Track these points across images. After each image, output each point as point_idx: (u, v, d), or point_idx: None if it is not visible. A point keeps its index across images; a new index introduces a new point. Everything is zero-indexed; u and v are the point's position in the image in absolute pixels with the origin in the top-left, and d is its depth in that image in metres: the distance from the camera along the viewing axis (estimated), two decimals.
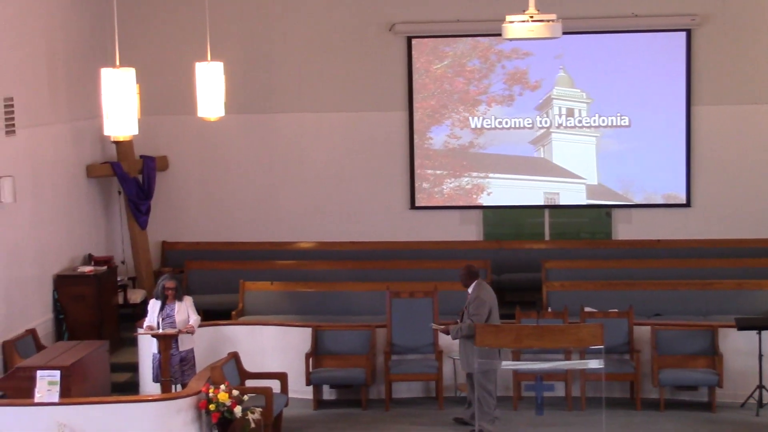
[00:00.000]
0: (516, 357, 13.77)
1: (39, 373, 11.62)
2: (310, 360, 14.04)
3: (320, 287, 15.83)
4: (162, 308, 13.35)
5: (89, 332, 14.94)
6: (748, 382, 13.60)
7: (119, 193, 17.47)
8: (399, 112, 17.87)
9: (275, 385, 12.84)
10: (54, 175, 15.49)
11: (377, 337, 14.22)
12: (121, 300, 16.45)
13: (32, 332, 14.23)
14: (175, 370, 13.19)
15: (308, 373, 13.95)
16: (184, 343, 13.29)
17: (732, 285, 15.26)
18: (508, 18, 12.84)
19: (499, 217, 19.31)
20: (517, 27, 12.72)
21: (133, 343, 14.72)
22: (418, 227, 17.89)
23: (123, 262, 17.44)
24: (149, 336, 13.35)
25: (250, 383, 13.05)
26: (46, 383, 11.47)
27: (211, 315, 15.48)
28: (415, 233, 17.83)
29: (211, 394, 11.76)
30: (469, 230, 17.94)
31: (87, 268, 15.63)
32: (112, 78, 9.80)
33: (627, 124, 17.60)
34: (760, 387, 13.38)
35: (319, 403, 14.08)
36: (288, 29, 17.83)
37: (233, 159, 18.05)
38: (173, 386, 13.15)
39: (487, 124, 17.76)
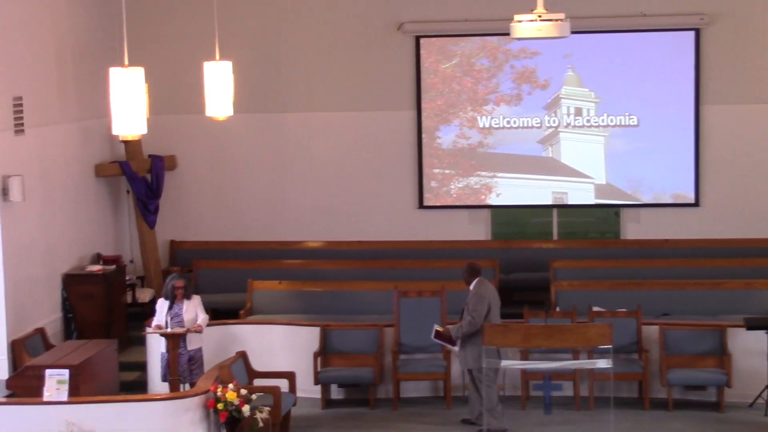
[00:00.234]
0: (524, 356, 13.76)
1: (48, 371, 11.65)
2: (318, 359, 14.04)
3: (328, 286, 15.83)
4: (170, 307, 13.36)
5: (98, 331, 14.95)
6: (756, 382, 13.58)
7: (128, 192, 17.48)
8: (407, 111, 17.86)
9: (283, 385, 12.85)
10: (63, 175, 15.51)
11: (385, 336, 14.22)
12: (129, 299, 16.47)
13: (41, 331, 14.25)
14: (183, 369, 13.21)
15: (316, 373, 13.96)
16: (192, 343, 13.30)
17: (741, 285, 15.23)
18: (517, 17, 12.83)
19: (507, 216, 19.29)
20: (526, 26, 12.72)
21: (142, 342, 14.74)
22: (426, 227, 17.88)
23: (131, 261, 17.45)
24: (158, 335, 13.37)
25: (258, 382, 13.06)
26: (55, 382, 11.50)
27: (219, 314, 15.50)
28: (423, 233, 17.82)
29: (219, 393, 11.78)
30: (478, 230, 17.93)
31: (96, 267, 15.65)
32: (120, 77, 9.81)
33: (635, 123, 17.58)
34: None
35: (327, 402, 14.08)
36: (296, 29, 17.83)
37: (241, 158, 18.06)
38: (181, 385, 13.17)
39: (495, 124, 17.75)
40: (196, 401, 11.77)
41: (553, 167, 17.77)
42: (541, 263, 16.81)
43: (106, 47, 16.41)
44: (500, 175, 17.84)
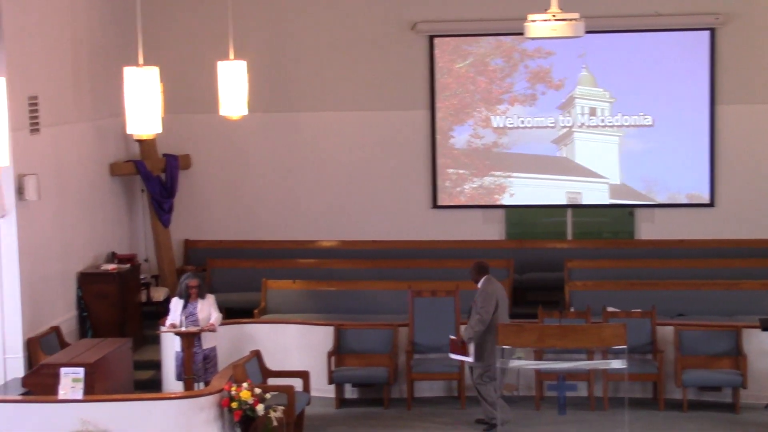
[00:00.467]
0: (538, 356, 13.75)
1: (63, 370, 11.69)
2: (332, 358, 14.05)
3: (342, 286, 15.83)
4: (185, 306, 13.39)
5: (112, 330, 14.99)
6: None
7: (142, 191, 17.52)
8: (421, 111, 17.85)
9: (297, 384, 12.87)
10: (78, 174, 15.55)
11: (399, 336, 14.22)
12: (144, 298, 16.49)
13: (56, 329, 14.30)
14: (197, 368, 13.23)
15: (330, 372, 13.97)
16: (207, 341, 13.32)
17: (756, 285, 15.19)
18: (531, 17, 12.80)
19: (521, 216, 19.27)
20: (540, 26, 12.69)
21: (156, 340, 14.76)
22: (440, 226, 17.87)
23: (146, 260, 17.48)
24: (172, 334, 13.39)
25: (272, 381, 13.07)
26: (70, 380, 11.54)
27: (233, 313, 15.52)
28: (437, 232, 17.81)
29: (233, 392, 11.79)
30: (492, 230, 17.92)
31: (110, 266, 15.68)
32: (135, 77, 9.84)
33: (650, 123, 17.54)
34: None
35: (341, 401, 14.09)
36: (310, 28, 17.84)
37: (256, 157, 18.08)
38: (196, 384, 13.19)
39: (510, 124, 17.73)
40: (210, 400, 11.79)
41: (568, 167, 17.75)
42: (556, 263, 16.80)
43: (120, 47, 16.44)
44: (514, 175, 17.82)
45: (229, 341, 14.04)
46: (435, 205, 17.96)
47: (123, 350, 13.38)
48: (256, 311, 15.49)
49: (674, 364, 13.72)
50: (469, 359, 12.87)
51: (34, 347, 13.65)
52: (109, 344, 13.29)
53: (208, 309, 13.41)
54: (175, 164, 17.55)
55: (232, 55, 13.67)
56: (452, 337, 13.09)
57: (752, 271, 15.91)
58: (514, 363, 12.61)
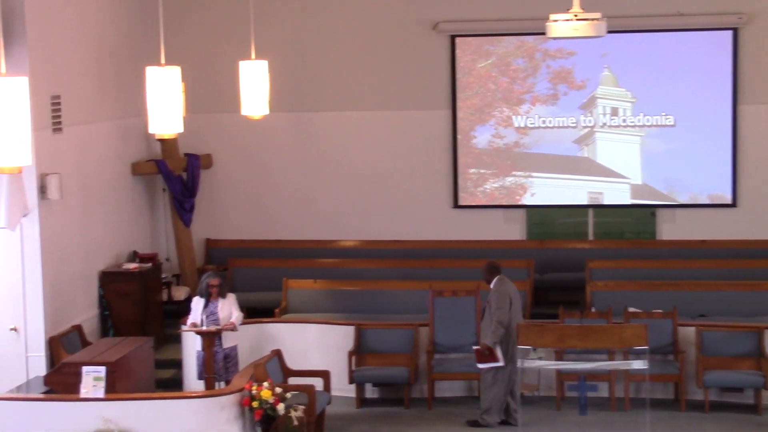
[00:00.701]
0: (559, 357, 13.72)
1: (85, 368, 11.73)
2: (353, 358, 14.06)
3: (363, 285, 15.84)
4: (206, 305, 13.41)
5: (134, 329, 15.03)
6: None
7: (164, 190, 17.56)
8: (442, 110, 17.84)
9: (318, 383, 12.87)
10: (100, 173, 15.61)
11: (420, 335, 14.22)
12: (165, 297, 16.53)
13: (78, 328, 14.35)
14: (218, 367, 13.25)
15: (351, 372, 13.97)
16: (228, 341, 13.35)
17: None
18: (553, 17, 12.79)
19: (542, 216, 19.24)
20: (562, 26, 12.67)
21: (178, 340, 14.80)
22: (461, 226, 17.85)
23: (167, 259, 17.53)
24: (193, 333, 13.42)
25: (293, 381, 13.08)
26: (92, 379, 11.57)
27: (254, 312, 15.54)
28: (458, 232, 17.80)
29: (254, 392, 11.81)
30: (513, 229, 17.89)
31: (132, 265, 15.73)
32: (157, 76, 9.87)
33: (672, 123, 17.48)
34: None
35: (361, 401, 14.10)
36: (332, 28, 17.86)
37: (277, 157, 18.10)
38: (217, 383, 13.21)
39: (531, 124, 17.70)
40: (231, 399, 11.81)
41: (589, 167, 17.70)
42: (577, 263, 16.76)
43: (143, 46, 16.49)
44: (536, 174, 17.78)
45: (250, 341, 14.07)
46: (456, 205, 17.95)
47: (144, 349, 13.41)
48: (277, 311, 15.51)
49: (696, 365, 13.67)
50: (501, 363, 12.84)
51: (56, 346, 13.71)
52: (130, 343, 13.33)
53: (228, 308, 13.44)
54: (196, 164, 17.60)
55: (253, 55, 13.70)
56: (475, 347, 13.02)
57: None
58: (535, 363, 12.60)
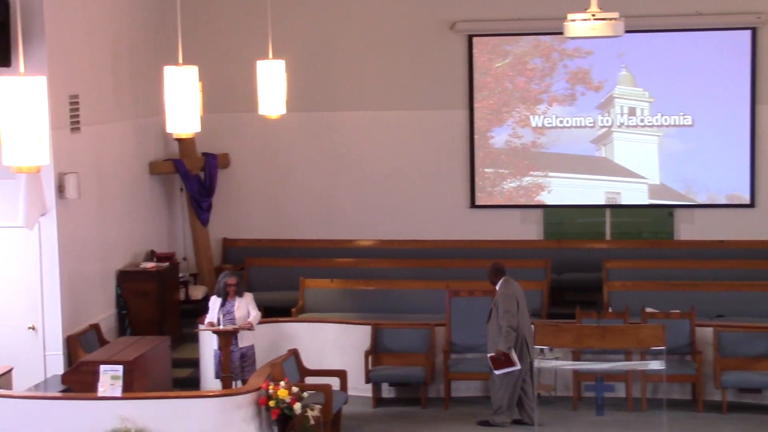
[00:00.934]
0: (576, 357, 13.70)
1: (102, 367, 11.75)
2: (370, 358, 14.06)
3: (380, 285, 15.84)
4: (223, 304, 13.43)
5: (151, 328, 15.07)
6: None
7: (181, 190, 17.60)
8: (459, 110, 17.83)
9: (335, 383, 12.87)
10: (117, 172, 15.65)
11: (436, 335, 14.21)
12: (182, 296, 16.57)
13: (96, 327, 14.39)
14: (235, 366, 13.27)
15: (367, 371, 13.98)
16: (244, 340, 13.36)
17: None
18: (570, 16, 12.76)
19: (559, 216, 19.21)
20: (579, 25, 12.65)
21: (195, 339, 14.83)
22: (478, 226, 17.84)
23: (185, 259, 17.57)
24: (210, 332, 13.45)
25: (309, 380, 13.08)
26: (110, 378, 11.60)
27: (271, 312, 15.54)
28: (475, 232, 17.79)
29: (270, 391, 11.82)
30: (530, 229, 17.87)
31: (149, 265, 15.77)
32: (174, 76, 9.90)
33: (690, 123, 17.43)
34: None
35: (378, 401, 14.10)
36: (349, 27, 17.87)
37: (294, 156, 18.12)
38: (233, 382, 13.23)
39: (548, 123, 17.67)
40: (248, 398, 11.82)
41: (607, 167, 17.67)
42: (594, 263, 16.73)
43: (160, 46, 16.54)
44: (553, 174, 17.76)
45: (266, 340, 14.08)
46: (473, 205, 17.93)
47: (161, 348, 13.44)
48: (293, 310, 15.53)
49: (713, 366, 13.62)
50: (517, 367, 12.83)
51: (73, 345, 13.75)
52: (147, 342, 13.36)
53: (245, 307, 13.45)
54: (213, 163, 17.63)
55: (271, 54, 13.72)
56: (490, 355, 12.99)
57: None
58: (552, 363, 12.58)
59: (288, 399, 11.77)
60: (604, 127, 17.63)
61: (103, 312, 15.00)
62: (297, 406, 11.76)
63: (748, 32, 17.15)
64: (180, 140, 16.77)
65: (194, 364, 14.76)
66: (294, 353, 13.31)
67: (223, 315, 13.36)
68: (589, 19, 12.58)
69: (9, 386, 12.39)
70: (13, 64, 12.93)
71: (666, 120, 17.48)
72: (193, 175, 17.30)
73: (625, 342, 12.44)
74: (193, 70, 10.01)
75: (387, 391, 14.34)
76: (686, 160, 17.48)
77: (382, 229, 17.95)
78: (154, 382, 12.84)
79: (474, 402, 14.08)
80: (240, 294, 13.49)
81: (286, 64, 13.68)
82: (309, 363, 13.46)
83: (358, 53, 17.88)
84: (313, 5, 17.89)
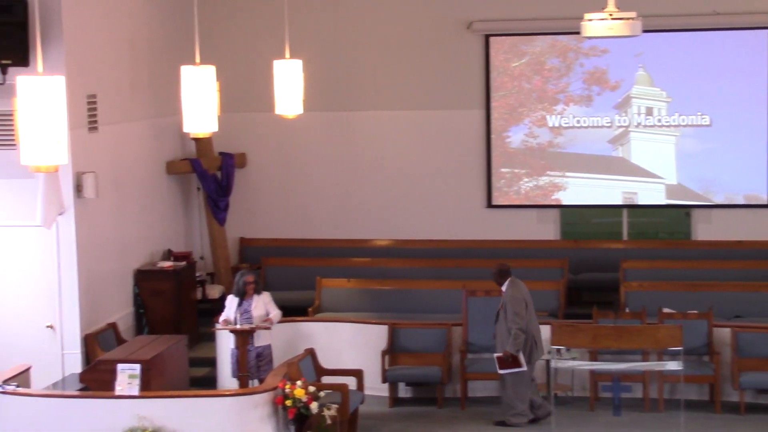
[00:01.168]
0: (593, 357, 13.67)
1: (120, 366, 11.78)
2: (386, 357, 14.06)
3: (396, 285, 15.84)
4: (240, 303, 13.44)
5: (168, 327, 15.10)
6: None
7: (198, 189, 17.64)
8: (476, 110, 17.82)
9: (351, 382, 12.88)
10: (135, 172, 15.69)
11: (453, 335, 14.21)
12: (199, 295, 16.61)
13: (113, 326, 14.44)
14: (251, 365, 13.28)
15: (384, 371, 13.98)
16: (260, 339, 13.36)
17: None
18: (587, 16, 12.75)
19: (576, 216, 19.18)
20: (597, 25, 12.63)
21: (212, 338, 14.85)
22: (494, 226, 17.82)
23: (202, 258, 17.60)
24: (227, 331, 13.46)
25: (326, 380, 13.10)
26: (127, 376, 11.63)
27: (287, 311, 15.51)
28: (492, 232, 17.76)
29: (287, 390, 11.82)
30: (546, 229, 17.84)
31: (166, 264, 15.81)
32: (192, 75, 9.92)
33: (707, 123, 17.39)
34: None
35: (394, 400, 14.10)
36: (366, 27, 17.87)
37: (311, 156, 18.14)
38: (250, 381, 13.25)
39: (565, 123, 17.65)
40: (264, 397, 11.83)
41: (624, 167, 17.63)
42: (611, 263, 16.69)
43: (178, 46, 16.57)
44: (570, 174, 17.73)
45: (283, 339, 14.09)
46: (489, 205, 17.92)
47: (179, 347, 13.47)
48: (310, 309, 15.54)
49: (731, 367, 13.58)
50: (524, 368, 12.82)
51: (91, 343, 13.80)
52: (165, 341, 13.39)
53: (263, 306, 13.47)
54: (230, 163, 17.66)
55: (288, 54, 13.73)
56: (497, 355, 12.99)
57: None
58: (569, 363, 12.56)
59: (305, 398, 11.77)
60: (621, 127, 17.60)
61: (121, 311, 15.04)
62: (313, 406, 11.77)
63: (766, 32, 17.09)
64: (197, 140, 16.80)
65: (211, 363, 14.79)
66: (311, 353, 13.32)
67: (240, 314, 13.38)
68: (607, 19, 12.56)
69: (27, 385, 12.42)
70: (32, 64, 12.98)
71: (683, 120, 17.44)
72: (210, 175, 17.34)
73: (642, 342, 12.42)
74: (210, 70, 10.03)
75: (404, 391, 14.34)
76: (704, 160, 17.44)
77: (399, 228, 17.95)
78: (171, 381, 12.86)
79: (491, 402, 14.05)
80: (258, 292, 13.51)
81: (303, 63, 13.69)
82: (326, 362, 13.47)
83: (375, 53, 17.88)
84: (331, 5, 17.91)
